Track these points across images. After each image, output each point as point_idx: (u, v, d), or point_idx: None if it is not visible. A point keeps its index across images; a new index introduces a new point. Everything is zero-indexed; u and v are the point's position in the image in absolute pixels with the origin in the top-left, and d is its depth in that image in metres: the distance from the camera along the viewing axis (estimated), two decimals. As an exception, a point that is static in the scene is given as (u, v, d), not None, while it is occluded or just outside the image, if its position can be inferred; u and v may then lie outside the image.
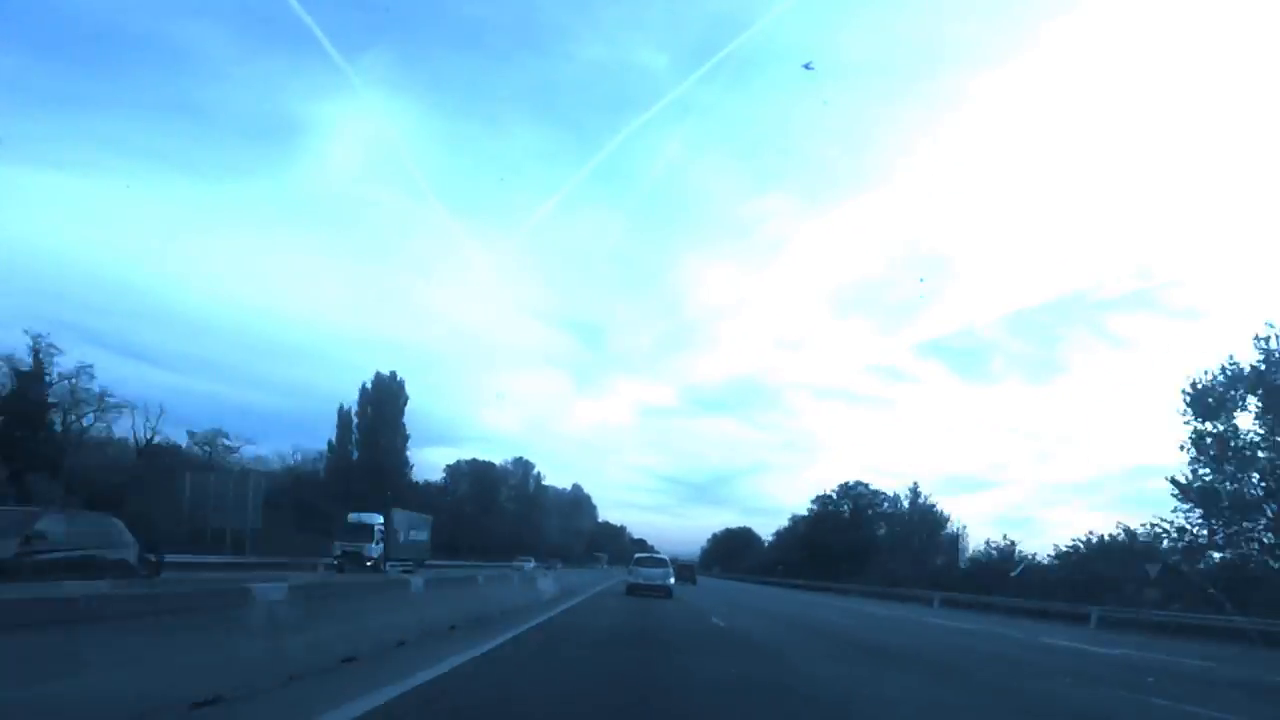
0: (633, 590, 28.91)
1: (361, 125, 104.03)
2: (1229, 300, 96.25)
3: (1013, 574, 45.08)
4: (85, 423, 45.60)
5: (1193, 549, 34.63)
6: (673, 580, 30.74)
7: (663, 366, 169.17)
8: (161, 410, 51.24)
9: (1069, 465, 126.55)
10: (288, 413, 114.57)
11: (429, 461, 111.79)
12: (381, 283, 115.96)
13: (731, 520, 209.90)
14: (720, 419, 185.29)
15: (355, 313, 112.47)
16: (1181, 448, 34.89)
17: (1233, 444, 33.56)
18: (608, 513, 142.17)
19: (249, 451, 60.14)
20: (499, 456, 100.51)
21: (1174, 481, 35.06)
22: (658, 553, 33.07)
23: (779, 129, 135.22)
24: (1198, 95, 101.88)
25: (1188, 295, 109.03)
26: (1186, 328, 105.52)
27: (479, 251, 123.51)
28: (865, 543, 75.77)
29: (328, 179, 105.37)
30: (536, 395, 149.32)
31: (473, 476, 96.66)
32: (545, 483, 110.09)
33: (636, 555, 34.30)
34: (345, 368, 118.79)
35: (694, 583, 52.43)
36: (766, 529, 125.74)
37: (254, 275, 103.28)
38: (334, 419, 73.63)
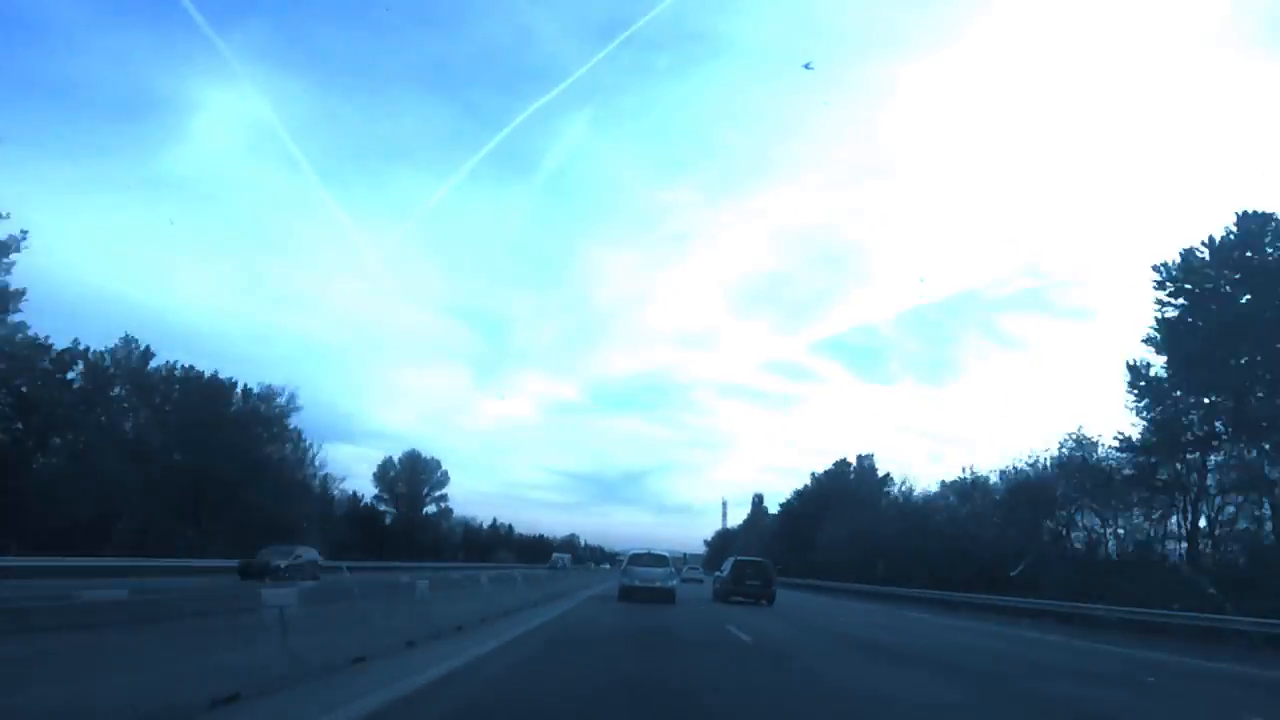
0: (627, 595, 25.66)
1: (237, 103, 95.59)
2: (1118, 300, 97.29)
3: (1013, 573, 43.86)
4: None
5: None
6: (675, 583, 27.88)
7: (568, 362, 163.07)
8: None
9: (960, 464, 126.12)
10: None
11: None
12: (261, 270, 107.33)
13: (647, 520, 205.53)
14: (628, 416, 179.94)
15: (234, 302, 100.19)
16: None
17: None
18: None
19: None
20: (397, 452, 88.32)
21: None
22: (657, 550, 29.89)
23: (685, 117, 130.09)
24: (1092, 98, 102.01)
25: (1078, 295, 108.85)
26: (1076, 327, 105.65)
27: (369, 238, 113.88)
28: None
29: (201, 160, 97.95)
30: (435, 390, 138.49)
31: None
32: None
33: (633, 554, 31.56)
34: (233, 360, 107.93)
35: (770, 601, 29.90)
36: (690, 529, 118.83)
37: (119, 261, 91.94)
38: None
